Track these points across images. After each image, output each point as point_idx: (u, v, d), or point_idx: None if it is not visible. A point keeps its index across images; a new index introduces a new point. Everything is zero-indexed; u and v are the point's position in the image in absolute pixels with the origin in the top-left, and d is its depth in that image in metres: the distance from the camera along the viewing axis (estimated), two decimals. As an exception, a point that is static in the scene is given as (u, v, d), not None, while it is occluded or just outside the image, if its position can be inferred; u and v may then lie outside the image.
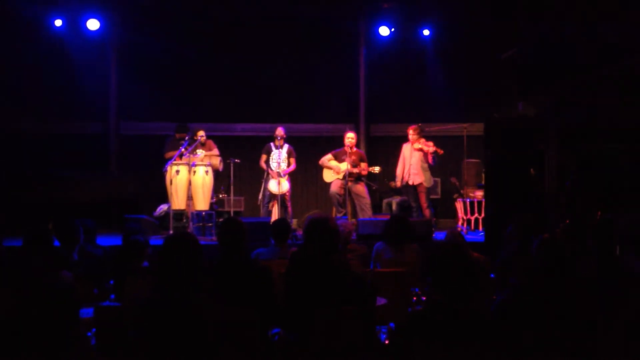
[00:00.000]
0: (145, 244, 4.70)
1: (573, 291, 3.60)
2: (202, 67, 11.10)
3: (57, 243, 4.59)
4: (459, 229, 9.55)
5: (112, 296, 4.38)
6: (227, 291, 3.46)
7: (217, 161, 9.26)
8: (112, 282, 4.61)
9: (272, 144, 9.34)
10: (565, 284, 3.60)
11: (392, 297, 4.63)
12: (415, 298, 4.46)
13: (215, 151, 9.35)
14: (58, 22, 10.35)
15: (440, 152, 9.08)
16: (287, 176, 9.25)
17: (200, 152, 9.05)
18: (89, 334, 3.40)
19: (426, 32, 10.80)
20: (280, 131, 9.24)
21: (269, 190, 9.19)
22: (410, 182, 9.26)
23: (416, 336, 2.58)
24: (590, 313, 3.60)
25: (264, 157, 9.35)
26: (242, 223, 3.78)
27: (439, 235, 8.36)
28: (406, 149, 9.36)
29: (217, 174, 9.33)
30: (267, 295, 3.61)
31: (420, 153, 9.21)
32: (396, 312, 4.59)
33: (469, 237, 8.43)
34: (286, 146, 9.30)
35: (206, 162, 8.97)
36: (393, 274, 4.95)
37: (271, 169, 9.21)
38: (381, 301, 4.57)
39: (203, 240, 8.32)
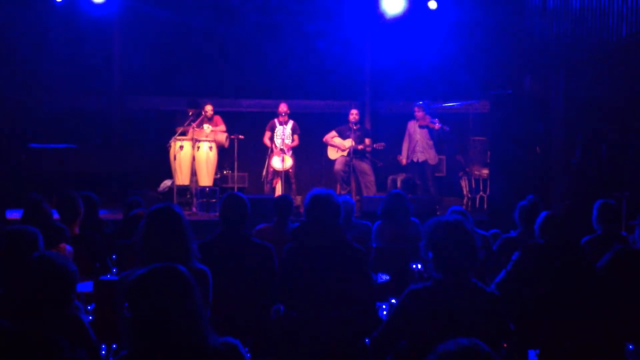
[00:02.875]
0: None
1: (576, 267, 3.58)
2: (208, 41, 10.98)
3: (57, 215, 4.57)
4: (463, 207, 9.52)
5: (115, 270, 4.38)
6: (227, 267, 3.43)
7: (223, 137, 9.22)
8: (114, 256, 4.60)
9: (275, 120, 9.29)
10: (568, 260, 3.57)
11: (394, 274, 4.62)
12: (417, 274, 4.45)
13: (222, 127, 9.31)
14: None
15: (446, 129, 9.02)
16: (290, 152, 9.20)
17: (207, 127, 9.03)
18: (89, 307, 3.40)
19: (433, 5, 10.55)
20: (283, 107, 9.18)
21: (272, 167, 9.15)
22: (415, 160, 9.23)
23: (417, 313, 2.56)
24: (594, 289, 3.58)
25: (267, 133, 9.30)
26: (244, 198, 3.73)
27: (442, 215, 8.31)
28: (412, 126, 9.30)
29: (222, 150, 9.30)
30: (268, 272, 3.59)
31: (426, 130, 9.15)
32: (397, 289, 4.58)
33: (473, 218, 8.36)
34: (290, 122, 9.25)
35: (211, 137, 8.94)
36: (394, 250, 4.93)
37: (275, 145, 9.16)
38: (384, 277, 4.56)
39: (207, 216, 8.32)
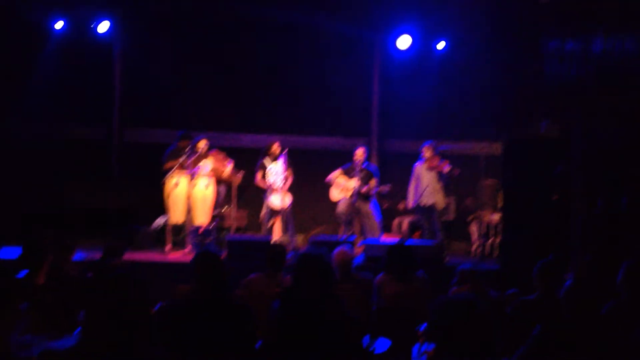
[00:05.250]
0: (125, 270, 4.23)
1: (606, 343, 3.12)
2: (211, 74, 10.68)
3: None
4: (472, 253, 9.09)
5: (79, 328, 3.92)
6: (202, 332, 2.99)
7: (228, 169, 8.73)
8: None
9: (264, 159, 8.90)
10: (598, 336, 3.12)
11: (396, 337, 4.15)
12: (421, 339, 3.99)
13: (226, 161, 8.87)
14: (58, 25, 9.95)
15: (456, 172, 8.58)
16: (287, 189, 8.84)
17: (204, 163, 8.57)
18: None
19: (441, 45, 10.24)
20: (275, 147, 8.86)
21: (270, 207, 8.74)
22: (423, 203, 8.79)
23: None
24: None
25: (259, 173, 8.91)
26: (218, 256, 3.29)
27: (453, 260, 7.87)
28: (419, 168, 8.87)
29: (227, 186, 8.91)
30: (246, 338, 3.13)
31: (434, 173, 8.73)
32: (400, 356, 4.11)
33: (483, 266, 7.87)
34: (281, 157, 8.81)
35: (209, 174, 8.50)
36: (397, 311, 4.47)
37: (271, 183, 8.76)
38: (383, 342, 4.09)
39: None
